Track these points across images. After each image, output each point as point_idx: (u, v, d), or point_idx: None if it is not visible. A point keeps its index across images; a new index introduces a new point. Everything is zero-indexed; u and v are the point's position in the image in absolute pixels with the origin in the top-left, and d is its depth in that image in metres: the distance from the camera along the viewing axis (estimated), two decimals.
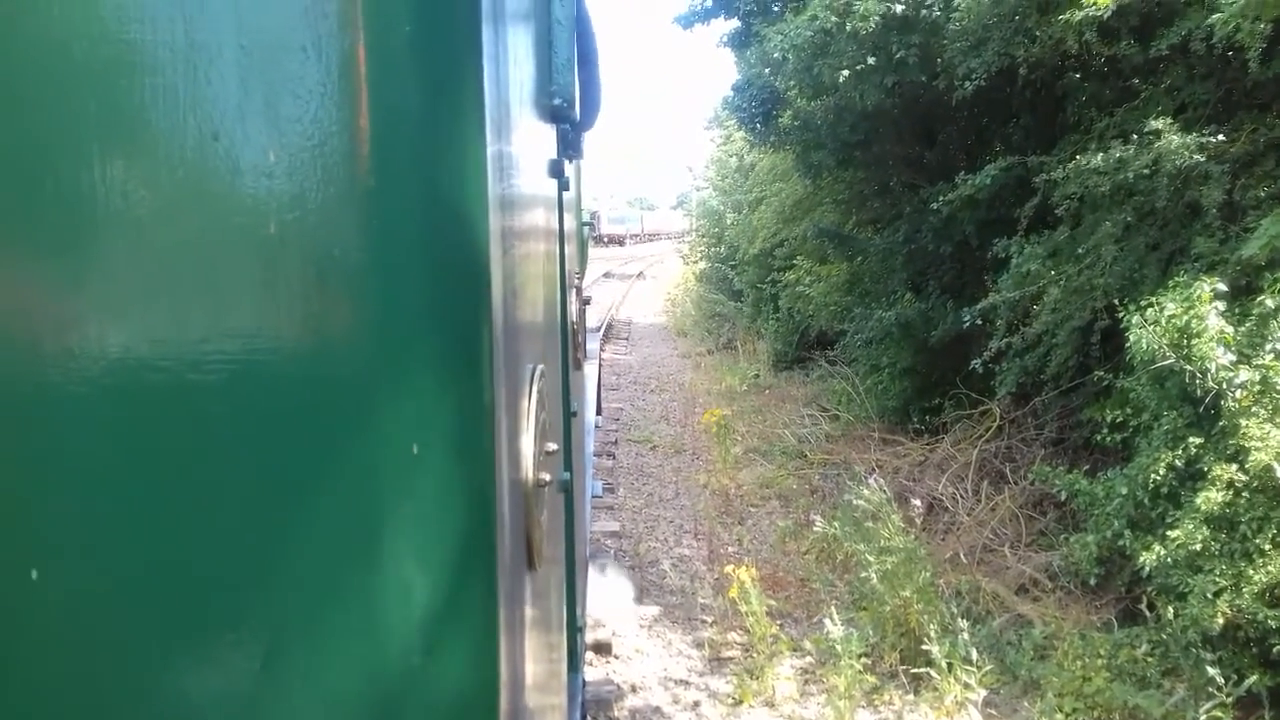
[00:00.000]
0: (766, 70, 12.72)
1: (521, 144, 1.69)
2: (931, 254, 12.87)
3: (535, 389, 1.59)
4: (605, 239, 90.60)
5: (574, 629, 3.89)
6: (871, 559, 8.17)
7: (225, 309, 0.94)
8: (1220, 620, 6.23)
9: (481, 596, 1.16)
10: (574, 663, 3.84)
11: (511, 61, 1.54)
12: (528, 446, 1.52)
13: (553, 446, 1.98)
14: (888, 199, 14.74)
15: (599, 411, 15.20)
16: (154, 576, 0.88)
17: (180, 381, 0.89)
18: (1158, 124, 8.04)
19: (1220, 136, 7.89)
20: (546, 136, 2.54)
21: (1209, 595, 6.29)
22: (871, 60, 10.65)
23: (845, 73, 10.80)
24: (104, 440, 0.84)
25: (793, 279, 17.96)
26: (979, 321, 10.06)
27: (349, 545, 1.04)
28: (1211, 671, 6.21)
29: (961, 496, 10.41)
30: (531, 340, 1.78)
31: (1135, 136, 8.35)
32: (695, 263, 36.46)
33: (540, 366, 1.73)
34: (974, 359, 10.21)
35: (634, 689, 7.56)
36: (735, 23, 14.47)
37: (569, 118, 2.88)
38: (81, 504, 0.83)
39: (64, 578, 0.82)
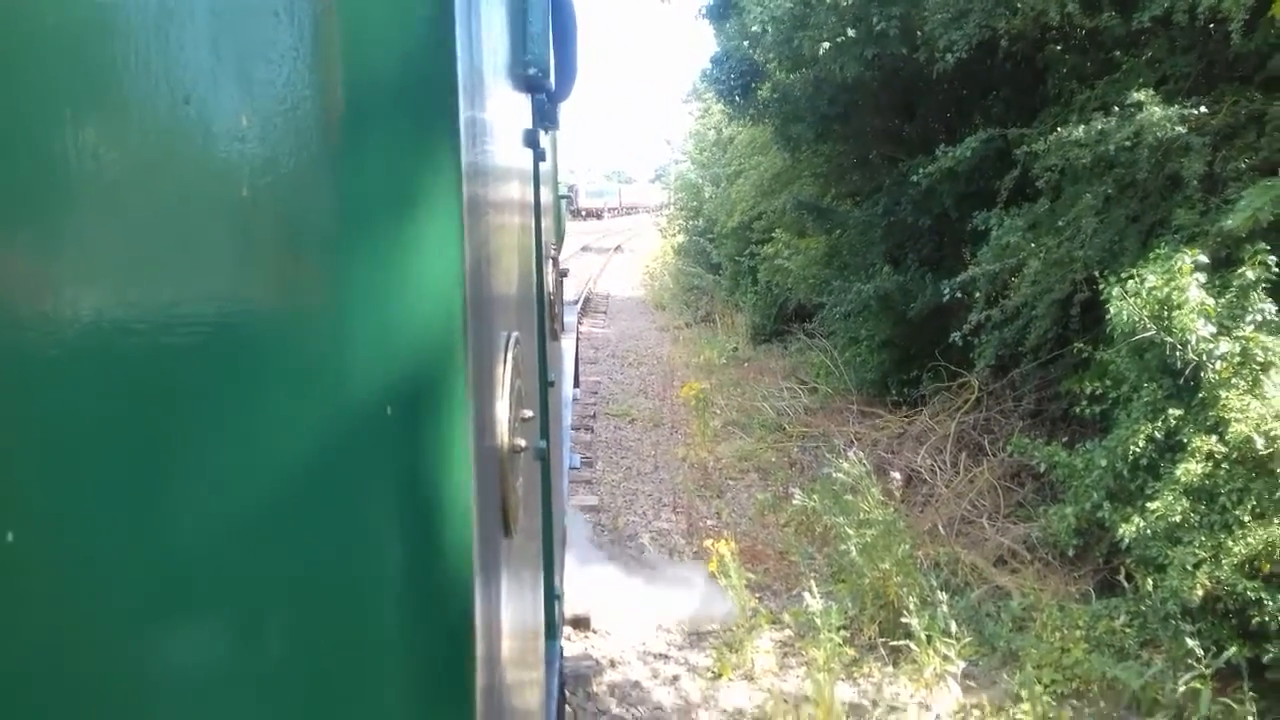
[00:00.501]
0: (745, 43, 12.67)
1: (495, 112, 1.69)
2: (910, 227, 12.86)
3: (510, 355, 1.59)
4: (583, 212, 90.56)
5: (551, 597, 3.92)
6: (850, 531, 8.20)
7: (198, 272, 0.94)
8: (1199, 592, 6.25)
9: (456, 560, 1.17)
10: (551, 631, 3.88)
11: (485, 29, 1.53)
12: (502, 411, 1.52)
13: (528, 413, 1.99)
14: (867, 172, 14.72)
15: (576, 384, 15.15)
16: (131, 539, 0.89)
17: (154, 344, 0.90)
18: (1139, 96, 8.02)
19: (1202, 109, 7.88)
20: (521, 106, 2.53)
21: (1188, 567, 6.32)
22: (851, 32, 10.63)
23: (825, 45, 10.76)
24: (79, 403, 0.84)
25: (771, 252, 17.94)
26: (958, 294, 10.03)
27: (323, 507, 1.04)
28: (1190, 643, 6.24)
29: (940, 469, 10.44)
30: (505, 308, 1.78)
31: (1116, 109, 8.33)
32: (673, 236, 36.34)
33: (515, 334, 1.73)
34: (953, 331, 10.23)
35: (613, 664, 7.58)
36: None
37: (544, 88, 2.87)
38: (58, 467, 0.83)
39: (41, 540, 0.82)
